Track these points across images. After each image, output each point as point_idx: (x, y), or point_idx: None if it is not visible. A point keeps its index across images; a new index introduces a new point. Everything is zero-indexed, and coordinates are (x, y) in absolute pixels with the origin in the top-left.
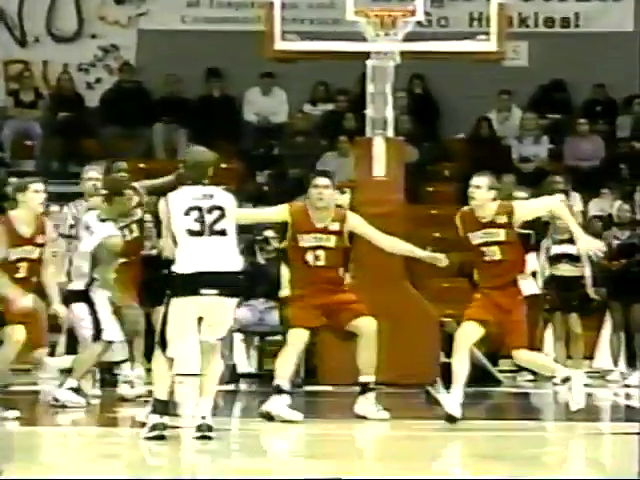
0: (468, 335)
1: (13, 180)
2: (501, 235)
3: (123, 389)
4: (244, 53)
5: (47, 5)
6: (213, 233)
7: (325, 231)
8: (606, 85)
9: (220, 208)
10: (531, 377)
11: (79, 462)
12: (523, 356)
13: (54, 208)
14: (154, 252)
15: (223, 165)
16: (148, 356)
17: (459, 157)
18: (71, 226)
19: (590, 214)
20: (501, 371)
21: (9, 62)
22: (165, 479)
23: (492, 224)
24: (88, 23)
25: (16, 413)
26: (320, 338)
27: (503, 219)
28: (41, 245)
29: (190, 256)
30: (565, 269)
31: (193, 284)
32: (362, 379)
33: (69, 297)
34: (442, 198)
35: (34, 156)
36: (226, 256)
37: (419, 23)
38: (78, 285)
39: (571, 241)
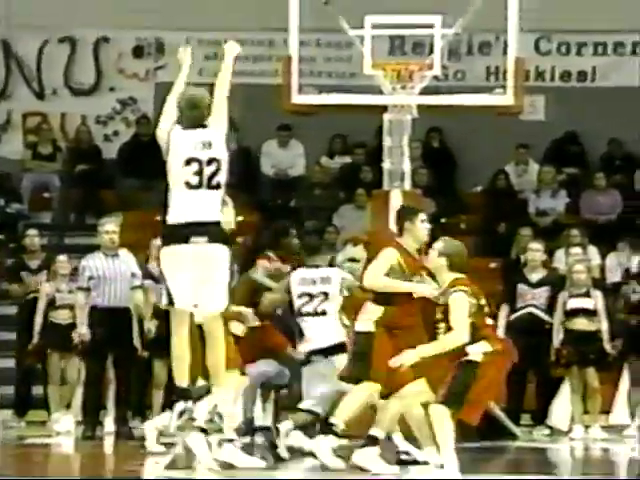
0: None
1: (32, 232)
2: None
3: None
4: (261, 105)
5: (65, 58)
6: (210, 187)
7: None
8: (624, 139)
9: (218, 161)
10: (548, 432)
11: None
12: None
13: (61, 258)
14: None
15: (240, 217)
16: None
17: (476, 210)
18: (89, 278)
19: (608, 269)
20: (519, 425)
21: (27, 114)
22: None
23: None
24: (106, 76)
25: None
26: None
27: (441, 300)
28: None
29: (184, 207)
30: (582, 323)
31: (184, 233)
32: (375, 433)
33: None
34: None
35: (52, 208)
36: (214, 207)
37: (436, 77)
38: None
39: (587, 295)
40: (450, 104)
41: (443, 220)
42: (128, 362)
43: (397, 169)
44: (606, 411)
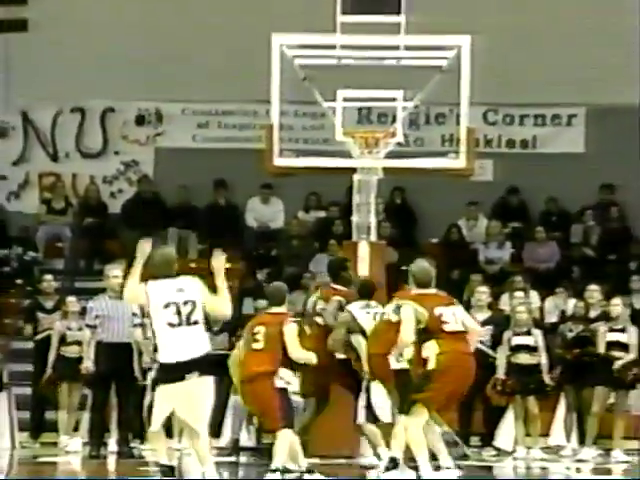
0: None
1: (48, 277)
2: None
3: None
4: (247, 167)
5: (76, 126)
6: (189, 324)
7: None
8: (561, 198)
9: (192, 302)
10: (494, 452)
11: None
12: None
13: (70, 299)
14: None
15: (227, 265)
16: None
17: (433, 259)
18: (96, 317)
19: (547, 311)
20: (469, 446)
21: (43, 175)
22: None
23: None
24: (112, 141)
25: None
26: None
27: None
28: None
29: (172, 346)
30: (524, 358)
31: (178, 372)
32: (396, 454)
33: None
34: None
35: (64, 256)
36: (199, 342)
37: (398, 143)
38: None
39: (529, 333)
40: (411, 167)
41: (404, 267)
42: (129, 390)
43: (364, 223)
44: (545, 434)
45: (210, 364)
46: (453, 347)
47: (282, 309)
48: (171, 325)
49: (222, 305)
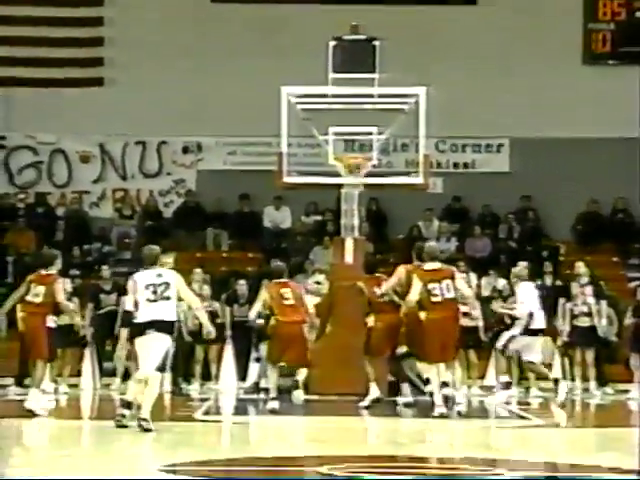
0: None
1: (104, 267)
2: None
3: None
4: (263, 184)
5: (139, 154)
6: (162, 299)
7: None
8: (492, 205)
9: (167, 283)
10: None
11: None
12: None
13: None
14: None
15: (250, 254)
16: None
17: (399, 250)
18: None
19: (482, 288)
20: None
21: (115, 190)
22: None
23: None
24: (165, 165)
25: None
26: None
27: None
28: None
29: (144, 313)
30: (466, 321)
31: (143, 328)
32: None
33: None
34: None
35: (130, 249)
36: (165, 311)
37: (374, 165)
38: None
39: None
40: (383, 183)
41: (378, 256)
42: (178, 346)
43: (349, 224)
44: (481, 376)
45: (167, 327)
46: (438, 314)
47: (285, 279)
48: (149, 300)
49: (190, 298)
